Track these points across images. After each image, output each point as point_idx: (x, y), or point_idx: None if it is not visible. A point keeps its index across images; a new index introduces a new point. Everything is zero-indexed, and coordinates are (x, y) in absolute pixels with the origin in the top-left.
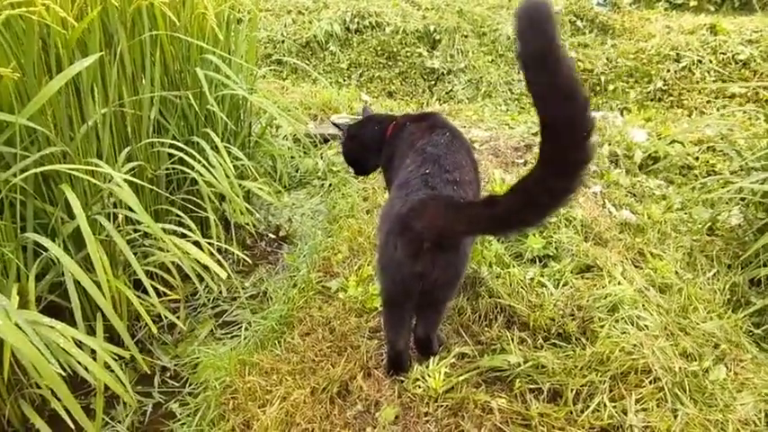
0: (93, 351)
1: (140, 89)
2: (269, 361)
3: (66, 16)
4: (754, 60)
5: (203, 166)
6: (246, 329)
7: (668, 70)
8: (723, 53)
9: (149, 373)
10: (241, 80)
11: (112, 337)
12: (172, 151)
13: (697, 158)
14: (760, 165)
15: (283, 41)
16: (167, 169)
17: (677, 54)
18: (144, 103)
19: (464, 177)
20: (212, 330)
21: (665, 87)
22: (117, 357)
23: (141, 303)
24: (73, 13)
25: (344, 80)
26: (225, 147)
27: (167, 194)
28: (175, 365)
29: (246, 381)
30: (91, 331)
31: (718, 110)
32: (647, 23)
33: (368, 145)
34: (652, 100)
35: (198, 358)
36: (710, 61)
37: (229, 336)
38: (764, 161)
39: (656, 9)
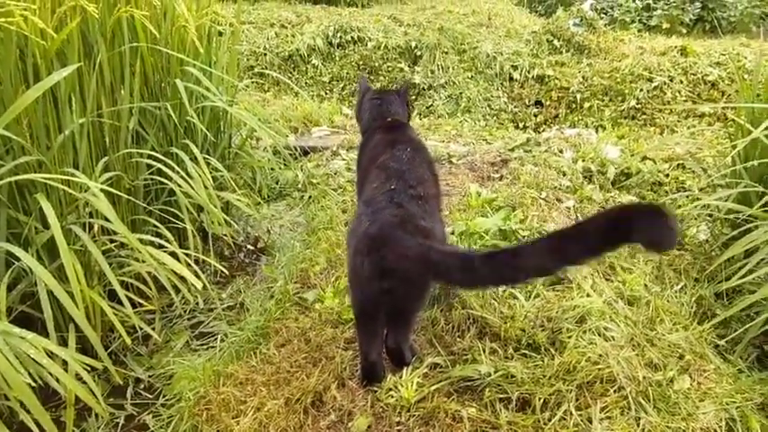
0: (65, 362)
1: (119, 100)
2: (244, 372)
3: (45, 27)
4: (722, 81)
5: (182, 177)
6: (222, 341)
7: (641, 89)
8: (693, 74)
9: (123, 384)
10: (221, 92)
11: (85, 348)
12: (150, 162)
13: (667, 175)
14: (725, 182)
15: (266, 54)
16: (145, 180)
17: (650, 74)
18: (123, 114)
19: (428, 192)
20: (188, 341)
21: (638, 106)
22: (90, 369)
23: (116, 314)
24: (52, 24)
25: (326, 93)
26: (204, 158)
27: (145, 205)
28: (149, 377)
29: (221, 392)
30: (63, 342)
31: (688, 128)
32: (622, 44)
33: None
34: (626, 118)
35: (173, 369)
36: (681, 82)
37: (205, 347)
38: (729, 179)
39: (630, 30)
